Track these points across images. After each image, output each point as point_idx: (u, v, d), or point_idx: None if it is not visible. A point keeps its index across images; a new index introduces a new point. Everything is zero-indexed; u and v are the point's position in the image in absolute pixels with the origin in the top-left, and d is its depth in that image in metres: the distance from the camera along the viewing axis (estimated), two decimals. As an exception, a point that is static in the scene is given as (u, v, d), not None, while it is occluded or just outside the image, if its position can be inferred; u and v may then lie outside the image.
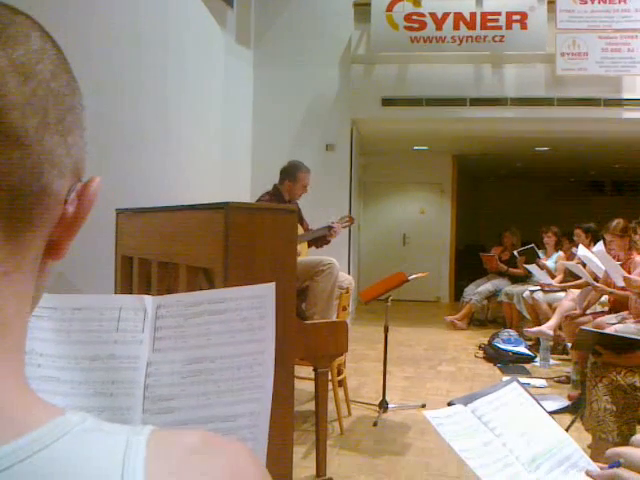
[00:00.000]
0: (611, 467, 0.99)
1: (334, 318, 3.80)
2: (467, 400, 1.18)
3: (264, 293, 0.90)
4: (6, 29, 0.44)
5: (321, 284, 3.75)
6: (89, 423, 0.43)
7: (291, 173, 4.32)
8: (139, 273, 2.98)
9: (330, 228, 4.30)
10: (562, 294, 6.23)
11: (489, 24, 7.16)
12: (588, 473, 1.05)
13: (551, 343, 6.01)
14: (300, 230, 4.17)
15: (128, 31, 4.43)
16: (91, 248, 3.24)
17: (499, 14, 7.14)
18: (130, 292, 3.02)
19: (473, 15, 7.18)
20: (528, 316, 6.98)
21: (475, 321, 8.24)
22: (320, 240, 4.38)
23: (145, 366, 0.82)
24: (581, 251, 5.23)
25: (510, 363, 5.83)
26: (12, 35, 0.44)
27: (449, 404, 1.18)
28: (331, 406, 3.54)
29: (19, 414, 0.41)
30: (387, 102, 7.47)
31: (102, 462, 0.40)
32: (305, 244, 4.34)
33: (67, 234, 0.49)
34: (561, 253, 7.10)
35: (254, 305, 0.89)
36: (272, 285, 0.90)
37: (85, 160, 0.51)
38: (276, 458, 2.03)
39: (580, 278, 5.49)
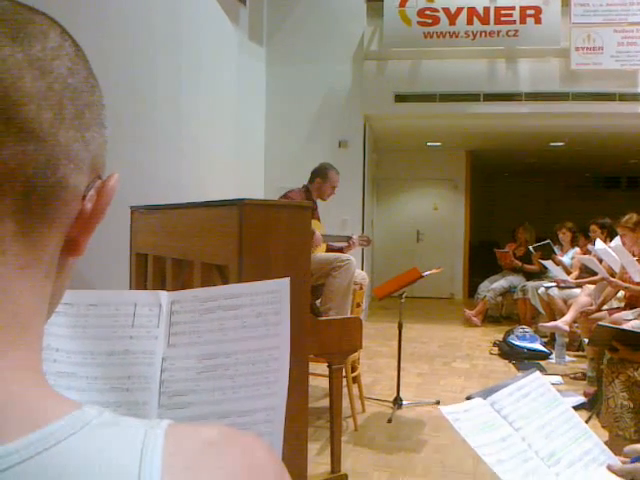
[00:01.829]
0: (633, 461, 0.99)
1: (349, 314, 3.80)
2: (486, 393, 1.17)
3: (279, 288, 0.90)
4: (25, 27, 0.45)
5: (338, 280, 3.76)
6: (106, 417, 0.43)
7: (322, 172, 4.51)
8: (153, 270, 2.98)
9: (349, 238, 4.56)
10: (577, 290, 6.19)
11: (503, 18, 7.12)
12: (610, 467, 1.04)
13: (566, 339, 5.97)
14: (316, 224, 4.23)
15: (141, 29, 4.44)
16: (106, 245, 3.26)
17: (513, 8, 7.09)
18: (145, 289, 3.02)
19: (487, 10, 7.13)
20: (543, 312, 6.94)
21: (489, 317, 8.20)
22: (336, 252, 4.43)
23: (160, 361, 0.82)
24: (598, 245, 5.18)
25: (525, 360, 5.80)
26: (30, 33, 0.45)
27: (468, 398, 1.17)
28: (345, 403, 3.53)
29: (36, 408, 0.41)
30: (400, 98, 7.45)
31: (119, 455, 0.40)
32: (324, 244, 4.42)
33: (85, 230, 0.49)
34: (577, 249, 7.05)
35: (269, 300, 0.88)
36: (287, 280, 0.90)
37: (105, 157, 0.51)
38: (291, 453, 2.03)
39: (596, 274, 5.44)
